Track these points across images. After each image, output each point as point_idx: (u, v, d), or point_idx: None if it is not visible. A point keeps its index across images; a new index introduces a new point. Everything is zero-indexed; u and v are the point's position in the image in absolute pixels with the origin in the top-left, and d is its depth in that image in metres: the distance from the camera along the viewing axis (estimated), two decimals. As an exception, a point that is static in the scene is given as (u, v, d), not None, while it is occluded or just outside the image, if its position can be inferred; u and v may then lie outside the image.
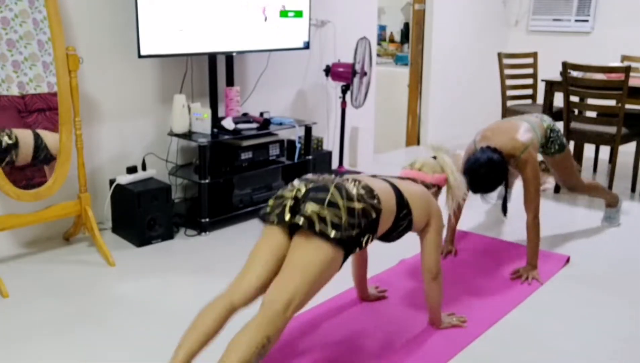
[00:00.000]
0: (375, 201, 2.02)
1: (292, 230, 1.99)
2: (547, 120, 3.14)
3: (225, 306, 1.92)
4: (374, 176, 2.30)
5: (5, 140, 2.78)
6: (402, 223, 2.18)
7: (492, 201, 2.87)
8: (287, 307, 1.81)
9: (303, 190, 1.98)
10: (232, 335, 1.79)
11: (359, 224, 1.94)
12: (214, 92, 3.67)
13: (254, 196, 3.69)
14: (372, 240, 2.07)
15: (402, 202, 2.16)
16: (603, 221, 3.74)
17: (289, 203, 1.97)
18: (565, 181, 3.35)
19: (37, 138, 2.89)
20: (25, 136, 2.85)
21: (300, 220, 1.89)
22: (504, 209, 2.90)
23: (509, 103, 5.08)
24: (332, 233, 1.87)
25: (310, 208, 1.90)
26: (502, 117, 4.88)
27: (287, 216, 1.94)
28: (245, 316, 1.91)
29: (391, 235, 2.22)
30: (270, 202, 2.04)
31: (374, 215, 2.00)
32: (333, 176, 2.11)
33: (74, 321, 2.45)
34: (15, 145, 2.82)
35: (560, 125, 3.28)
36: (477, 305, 2.65)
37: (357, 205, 1.95)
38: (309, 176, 2.10)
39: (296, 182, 2.05)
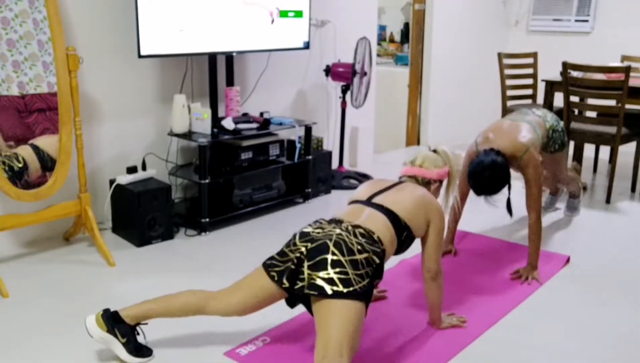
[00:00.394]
0: (377, 245, 2.05)
1: (298, 295, 2.04)
2: (550, 120, 3.14)
3: (200, 304, 2.11)
4: (369, 199, 2.25)
5: (16, 165, 2.79)
6: (405, 241, 2.22)
7: (497, 204, 2.87)
8: (341, 352, 1.81)
9: (305, 252, 2.00)
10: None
11: (367, 274, 1.96)
12: (214, 92, 3.67)
13: (254, 196, 3.69)
14: (379, 282, 2.12)
15: (400, 226, 2.17)
16: (567, 211, 3.85)
17: (291, 266, 2.00)
18: (554, 175, 3.49)
19: (36, 150, 2.89)
20: (28, 154, 2.86)
21: (311, 291, 1.92)
22: (509, 210, 2.90)
23: (509, 103, 5.07)
24: (345, 289, 1.89)
25: (315, 275, 1.93)
26: (503, 116, 4.89)
27: (286, 284, 2.00)
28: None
29: (399, 252, 2.26)
30: (275, 257, 2.08)
31: (377, 261, 2.02)
32: (332, 225, 2.10)
33: (74, 321, 2.45)
34: (26, 167, 2.84)
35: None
36: (477, 305, 2.65)
37: (359, 257, 1.97)
38: (309, 229, 2.09)
39: (297, 241, 2.05)
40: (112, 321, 2.08)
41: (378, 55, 6.62)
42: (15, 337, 2.33)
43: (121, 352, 2.10)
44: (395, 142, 5.95)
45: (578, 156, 4.75)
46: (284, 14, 3.82)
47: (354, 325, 1.89)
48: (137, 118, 3.52)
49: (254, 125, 3.66)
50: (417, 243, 2.37)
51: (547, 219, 3.78)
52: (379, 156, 5.43)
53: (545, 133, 3.10)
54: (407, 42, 6.62)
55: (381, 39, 6.99)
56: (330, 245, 1.97)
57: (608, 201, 4.11)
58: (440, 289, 2.35)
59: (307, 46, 4.05)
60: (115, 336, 2.08)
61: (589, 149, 5.09)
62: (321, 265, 1.93)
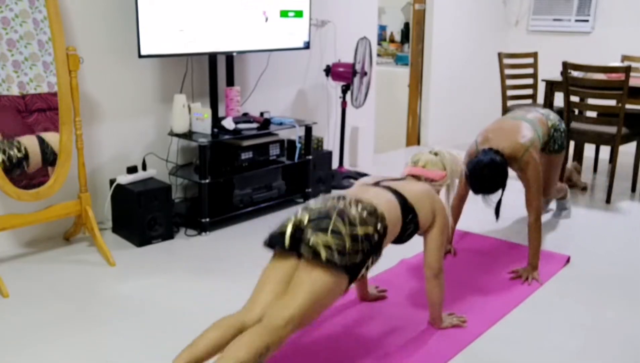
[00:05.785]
0: (380, 220, 2.04)
1: (297, 254, 2.01)
2: (552, 118, 3.14)
3: (236, 326, 1.94)
4: (376, 183, 2.30)
5: (15, 154, 2.79)
6: (410, 226, 2.21)
7: (493, 204, 2.87)
8: (287, 324, 1.84)
9: (306, 219, 1.99)
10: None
11: (362, 250, 1.96)
12: (214, 92, 3.68)
13: (254, 196, 3.69)
14: (377, 260, 2.09)
15: (407, 207, 2.18)
16: (556, 214, 3.83)
17: (290, 230, 1.99)
18: (547, 181, 3.29)
19: (41, 142, 2.90)
20: (31, 144, 2.86)
21: (305, 250, 1.91)
22: (497, 213, 2.90)
23: (509, 103, 5.07)
24: (338, 260, 1.89)
25: (314, 238, 1.92)
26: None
27: (287, 242, 1.97)
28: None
29: (402, 238, 2.25)
30: (275, 229, 2.07)
31: (376, 238, 2.01)
32: (335, 199, 2.10)
33: (74, 321, 2.45)
34: (26, 156, 2.84)
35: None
36: (477, 305, 2.65)
37: (360, 230, 1.97)
38: (312, 203, 2.10)
39: (299, 211, 2.05)
40: None
41: (378, 55, 6.62)
42: (15, 336, 2.33)
43: None
44: (395, 142, 5.95)
45: (578, 156, 4.75)
46: (284, 14, 3.82)
47: (321, 300, 1.89)
48: (137, 118, 3.52)
49: (254, 125, 3.66)
50: (417, 241, 2.37)
51: (547, 219, 3.78)
52: (379, 156, 5.43)
53: (547, 131, 3.10)
54: (407, 42, 6.62)
55: (381, 39, 6.99)
56: (334, 214, 1.98)
57: (608, 201, 4.12)
58: (441, 288, 2.35)
59: (307, 45, 4.05)
60: None
61: (589, 149, 5.09)
62: (322, 230, 1.93)
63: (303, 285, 1.90)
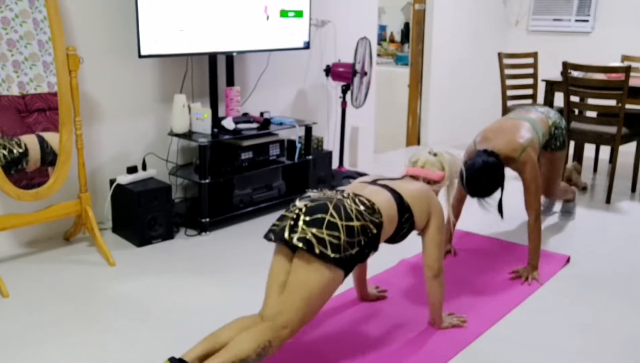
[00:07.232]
0: (376, 215, 2.06)
1: (294, 249, 2.03)
2: (552, 116, 3.15)
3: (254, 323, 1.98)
4: (374, 181, 2.33)
5: (16, 150, 2.80)
6: (405, 226, 2.22)
7: (490, 208, 2.87)
8: (286, 326, 1.89)
9: (303, 209, 2.01)
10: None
11: (359, 242, 1.99)
12: (214, 92, 3.68)
13: (254, 196, 3.69)
14: (373, 253, 2.10)
15: (403, 206, 2.19)
16: (561, 215, 3.81)
17: (289, 222, 2.00)
18: (549, 181, 3.30)
19: (42, 142, 2.90)
20: (32, 142, 2.87)
21: (300, 244, 1.93)
22: (500, 211, 2.90)
23: (509, 103, 5.08)
24: (332, 254, 1.92)
25: (309, 230, 1.94)
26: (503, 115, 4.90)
27: (286, 234, 1.98)
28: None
29: (395, 238, 2.26)
30: (275, 222, 2.09)
31: (374, 231, 2.04)
32: (334, 192, 2.15)
33: (74, 321, 2.45)
34: (26, 153, 2.84)
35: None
36: (477, 305, 2.65)
37: (356, 223, 1.99)
38: (310, 193, 2.13)
39: (297, 202, 2.07)
40: None
41: (378, 55, 6.62)
42: (15, 336, 2.33)
43: None
44: (395, 142, 5.95)
45: (578, 156, 4.75)
46: (284, 14, 3.82)
47: (320, 298, 1.93)
48: (137, 118, 3.52)
49: (254, 125, 3.66)
50: (417, 241, 2.37)
51: (547, 219, 3.78)
52: (379, 156, 5.43)
53: (548, 130, 3.10)
54: (407, 42, 6.62)
55: (381, 39, 7.00)
56: (330, 206, 2.00)
57: (608, 201, 4.12)
58: (441, 288, 2.35)
59: (307, 45, 4.05)
60: None
61: (589, 149, 5.09)
62: (317, 223, 1.96)
63: (298, 286, 1.92)
